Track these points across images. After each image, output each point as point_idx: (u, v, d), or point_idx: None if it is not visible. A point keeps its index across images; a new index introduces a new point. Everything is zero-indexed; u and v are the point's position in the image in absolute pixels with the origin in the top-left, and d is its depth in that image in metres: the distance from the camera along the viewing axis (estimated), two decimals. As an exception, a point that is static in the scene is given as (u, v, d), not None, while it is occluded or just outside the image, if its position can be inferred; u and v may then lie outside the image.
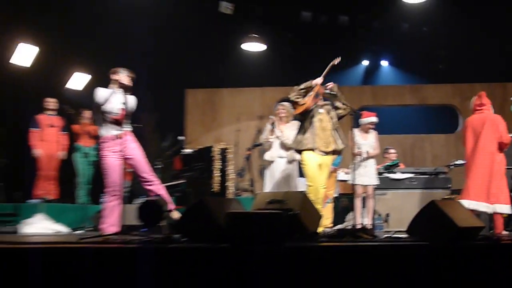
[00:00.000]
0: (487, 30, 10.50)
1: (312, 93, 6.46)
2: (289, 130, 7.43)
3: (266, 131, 7.63)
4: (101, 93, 5.57)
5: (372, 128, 7.83)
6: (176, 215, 5.62)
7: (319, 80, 6.50)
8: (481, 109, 6.72)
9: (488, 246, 4.08)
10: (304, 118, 6.40)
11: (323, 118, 6.39)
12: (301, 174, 7.00)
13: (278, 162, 7.44)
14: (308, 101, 6.43)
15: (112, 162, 5.56)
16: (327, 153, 6.31)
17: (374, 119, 7.79)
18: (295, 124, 7.08)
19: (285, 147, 7.40)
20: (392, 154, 8.78)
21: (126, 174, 8.78)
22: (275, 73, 11.78)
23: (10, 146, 8.51)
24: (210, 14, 10.40)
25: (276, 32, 11.45)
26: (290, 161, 7.41)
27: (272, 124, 7.54)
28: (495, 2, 9.92)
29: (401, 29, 11.39)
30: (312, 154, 6.21)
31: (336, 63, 6.47)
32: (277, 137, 7.49)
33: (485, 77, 11.78)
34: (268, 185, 7.46)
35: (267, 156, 7.54)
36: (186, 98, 12.50)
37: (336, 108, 6.53)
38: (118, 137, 5.59)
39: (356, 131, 7.70)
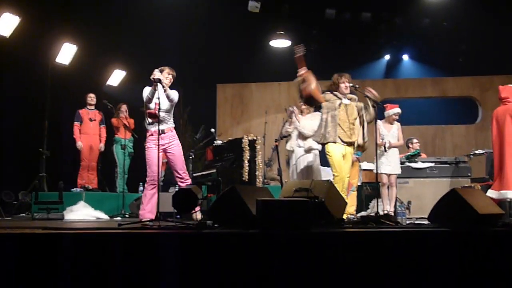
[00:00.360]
0: (505, 23, 10.27)
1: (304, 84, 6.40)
2: (307, 121, 7.39)
3: (286, 122, 7.63)
4: (145, 91, 5.77)
5: (396, 120, 7.76)
6: (198, 215, 5.70)
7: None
8: (505, 101, 6.61)
9: (508, 232, 4.01)
10: (325, 111, 6.31)
11: (345, 110, 6.29)
12: (324, 164, 6.96)
13: (297, 152, 7.41)
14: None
15: (155, 155, 5.70)
16: (349, 143, 6.25)
17: (398, 110, 7.73)
18: (316, 115, 7.07)
19: (302, 136, 7.35)
20: (416, 144, 8.68)
21: (161, 165, 8.89)
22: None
23: (52, 139, 8.65)
24: (240, 13, 10.41)
25: (301, 29, 11.39)
26: (308, 150, 7.36)
27: (291, 115, 7.50)
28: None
29: (422, 24, 11.23)
30: (336, 146, 6.16)
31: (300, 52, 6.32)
32: (296, 127, 7.45)
33: (504, 70, 11.55)
34: (291, 174, 7.46)
35: (288, 145, 7.57)
36: (217, 92, 12.56)
37: (366, 108, 6.41)
38: (162, 132, 5.73)
39: (380, 123, 7.64)
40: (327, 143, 6.18)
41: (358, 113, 6.37)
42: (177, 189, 5.94)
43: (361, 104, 6.45)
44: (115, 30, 9.83)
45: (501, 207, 5.55)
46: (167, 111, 5.94)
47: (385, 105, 7.90)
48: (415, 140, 8.74)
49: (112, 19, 9.56)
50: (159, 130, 5.58)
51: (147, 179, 5.80)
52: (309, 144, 7.26)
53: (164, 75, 5.85)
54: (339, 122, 6.19)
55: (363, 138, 6.32)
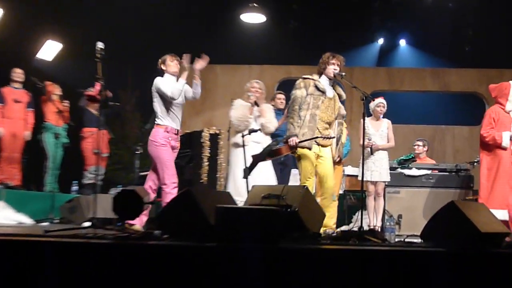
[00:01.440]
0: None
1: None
2: (271, 113, 7.44)
3: (241, 108, 7.36)
4: (163, 83, 6.25)
5: (383, 114, 7.81)
6: (137, 227, 5.66)
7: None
8: (496, 102, 6.83)
9: (514, 254, 4.09)
10: (305, 107, 6.26)
11: (327, 105, 6.32)
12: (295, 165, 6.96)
13: (252, 148, 7.07)
14: None
15: (170, 155, 6.26)
16: (324, 146, 6.33)
17: (381, 100, 7.78)
18: (271, 108, 7.30)
19: (263, 131, 7.30)
20: (420, 147, 8.79)
21: (101, 160, 8.80)
22: (276, 49, 11.76)
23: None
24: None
25: (279, 2, 11.42)
26: None
27: (255, 102, 7.40)
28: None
29: (423, 3, 11.38)
30: (310, 152, 6.20)
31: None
32: (256, 118, 7.39)
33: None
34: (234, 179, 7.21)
35: (238, 138, 7.18)
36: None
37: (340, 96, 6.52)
38: (177, 131, 6.31)
39: (368, 120, 7.70)
40: (299, 147, 6.18)
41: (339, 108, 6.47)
42: (119, 190, 5.88)
43: (339, 91, 6.54)
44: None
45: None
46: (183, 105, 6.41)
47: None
48: (419, 142, 8.84)
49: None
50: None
51: (167, 182, 6.19)
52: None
53: (172, 64, 6.43)
54: (316, 123, 6.22)
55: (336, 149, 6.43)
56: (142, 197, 4.71)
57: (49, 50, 10.42)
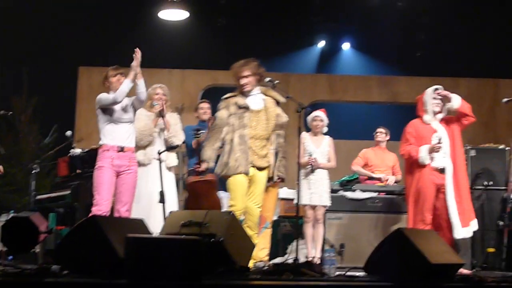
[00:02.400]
0: (479, 12, 10.87)
1: None
2: (177, 125, 7.49)
3: (144, 119, 7.31)
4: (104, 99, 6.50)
5: (321, 129, 7.88)
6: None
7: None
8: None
9: (468, 288, 4.23)
10: (230, 129, 6.36)
11: (256, 120, 6.39)
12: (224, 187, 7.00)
13: (153, 168, 7.13)
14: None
15: (108, 176, 6.39)
16: (261, 168, 6.40)
17: (317, 113, 7.84)
18: (177, 119, 7.40)
19: (168, 146, 7.25)
20: (383, 135, 8.97)
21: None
22: (200, 51, 11.78)
23: None
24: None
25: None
26: (170, 168, 7.37)
27: (161, 112, 7.30)
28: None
29: (369, 2, 11.64)
30: (243, 177, 6.28)
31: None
32: (161, 130, 7.35)
33: (473, 71, 12.22)
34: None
35: (140, 155, 7.17)
36: (78, 79, 12.29)
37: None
38: (122, 149, 6.48)
39: (307, 135, 7.79)
40: (232, 175, 6.26)
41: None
42: (10, 217, 5.75)
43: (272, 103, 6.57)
44: None
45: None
46: (131, 122, 6.63)
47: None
48: (382, 130, 8.98)
49: None
50: None
51: (93, 208, 6.27)
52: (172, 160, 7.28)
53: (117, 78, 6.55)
54: (250, 141, 6.29)
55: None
56: (37, 226, 4.64)
57: None
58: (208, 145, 6.41)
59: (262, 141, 6.41)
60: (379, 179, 8.55)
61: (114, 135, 6.48)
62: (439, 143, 6.76)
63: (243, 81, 6.38)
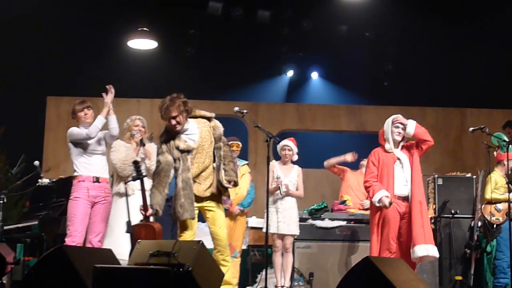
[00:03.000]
0: (444, 43, 11.06)
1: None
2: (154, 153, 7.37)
3: (124, 149, 7.25)
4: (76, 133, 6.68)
5: (290, 158, 7.92)
6: None
7: None
8: None
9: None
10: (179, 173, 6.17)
11: (198, 157, 6.21)
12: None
13: (137, 197, 6.81)
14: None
15: (83, 208, 6.51)
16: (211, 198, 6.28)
17: (285, 142, 7.87)
18: (154, 147, 7.11)
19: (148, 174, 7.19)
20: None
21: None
22: (169, 80, 11.80)
23: None
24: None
25: (174, 25, 11.51)
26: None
27: (141, 141, 7.22)
28: (456, 13, 10.48)
29: (337, 32, 11.78)
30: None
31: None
32: (142, 160, 7.28)
33: (440, 100, 12.39)
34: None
35: (122, 187, 7.04)
36: (46, 108, 12.24)
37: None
38: (97, 180, 6.63)
39: (276, 164, 7.84)
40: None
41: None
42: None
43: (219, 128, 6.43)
44: None
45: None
46: (103, 154, 6.82)
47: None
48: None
49: None
50: None
51: (66, 238, 6.38)
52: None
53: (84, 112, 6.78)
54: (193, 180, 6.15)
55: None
56: (4, 257, 4.61)
57: None
58: (156, 192, 6.05)
59: (206, 171, 6.24)
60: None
61: (89, 166, 6.61)
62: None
63: (173, 122, 6.06)
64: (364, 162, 8.96)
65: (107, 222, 6.78)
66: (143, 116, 11.19)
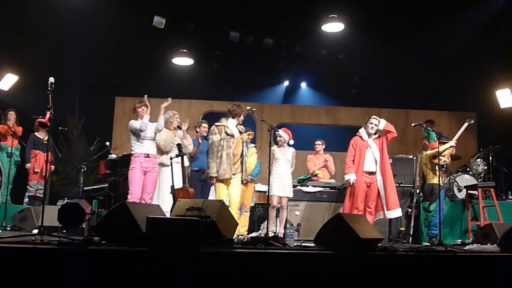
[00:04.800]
0: (394, 61, 11.01)
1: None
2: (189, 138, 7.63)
3: (163, 132, 7.29)
4: (135, 124, 6.70)
5: (283, 143, 7.93)
6: None
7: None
8: None
9: (386, 256, 4.25)
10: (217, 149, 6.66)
11: (235, 144, 6.69)
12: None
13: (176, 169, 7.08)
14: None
15: (137, 175, 6.59)
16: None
17: (280, 132, 7.92)
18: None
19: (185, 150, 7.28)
20: (320, 146, 8.92)
21: (41, 177, 8.50)
22: (201, 87, 11.80)
23: None
24: (144, 27, 10.29)
25: (205, 48, 11.49)
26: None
27: (178, 126, 7.51)
28: (403, 38, 10.43)
29: (320, 54, 11.75)
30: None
31: None
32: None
33: (392, 103, 12.35)
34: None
35: (164, 159, 7.19)
36: (115, 105, 12.25)
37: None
38: (147, 155, 6.69)
39: (275, 148, 7.84)
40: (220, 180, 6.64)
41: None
42: (64, 203, 5.69)
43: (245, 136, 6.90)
44: (10, 31, 9.32)
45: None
46: (152, 139, 6.78)
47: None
48: (319, 142, 8.96)
49: (9, 20, 9.07)
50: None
51: (128, 196, 6.50)
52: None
53: (141, 109, 6.80)
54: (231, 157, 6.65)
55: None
56: (84, 209, 4.60)
57: (7, 81, 10.00)
58: (212, 162, 6.60)
59: (236, 157, 6.68)
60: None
61: (142, 146, 6.69)
62: None
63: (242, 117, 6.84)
64: (317, 145, 8.88)
65: (155, 185, 6.82)
66: (183, 112, 11.25)
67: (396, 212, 7.09)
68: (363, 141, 7.27)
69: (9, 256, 3.39)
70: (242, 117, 6.82)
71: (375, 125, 7.26)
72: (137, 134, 6.68)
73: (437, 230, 7.33)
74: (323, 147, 9.03)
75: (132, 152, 6.72)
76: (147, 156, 6.67)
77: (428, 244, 7.36)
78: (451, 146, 7.85)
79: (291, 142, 8.09)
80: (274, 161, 7.69)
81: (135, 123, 6.69)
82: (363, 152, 7.17)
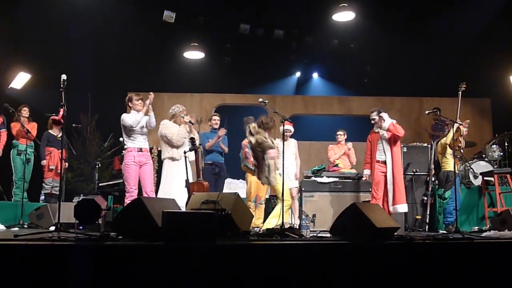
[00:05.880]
0: (407, 49, 10.91)
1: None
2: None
3: (173, 126, 7.28)
4: (128, 118, 6.60)
5: (290, 136, 7.94)
6: None
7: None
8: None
9: (403, 245, 4.23)
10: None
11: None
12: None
13: (181, 162, 7.10)
14: None
15: (132, 171, 6.49)
16: None
17: (288, 127, 7.90)
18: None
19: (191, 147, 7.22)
20: (342, 136, 9.02)
21: (56, 174, 8.55)
22: (213, 80, 11.79)
23: None
24: (154, 22, 10.30)
25: (215, 42, 11.47)
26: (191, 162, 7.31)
27: (190, 122, 7.35)
28: (414, 26, 10.33)
29: (331, 44, 11.67)
30: None
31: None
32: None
33: (404, 91, 12.24)
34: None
35: (175, 153, 7.11)
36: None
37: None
38: (140, 150, 6.60)
39: (279, 141, 7.83)
40: None
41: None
42: (80, 199, 5.73)
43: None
44: (21, 31, 9.37)
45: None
46: (145, 133, 6.70)
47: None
48: (341, 132, 9.03)
49: (19, 20, 9.12)
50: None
51: (126, 193, 6.46)
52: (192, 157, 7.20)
53: (139, 102, 6.69)
54: None
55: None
56: (100, 205, 4.62)
57: (20, 80, 10.07)
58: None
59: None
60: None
61: (135, 141, 6.63)
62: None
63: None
64: (338, 135, 8.93)
65: (153, 178, 6.85)
66: (195, 106, 11.26)
67: (402, 207, 7.06)
68: (375, 134, 7.43)
69: (27, 253, 3.42)
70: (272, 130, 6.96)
71: (373, 119, 7.43)
72: (128, 129, 6.60)
73: (453, 217, 7.31)
74: (345, 137, 9.05)
75: (125, 147, 6.67)
76: (140, 150, 6.60)
77: (444, 232, 7.31)
78: (458, 128, 7.69)
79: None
80: (279, 154, 7.67)
81: (128, 119, 6.57)
82: (375, 144, 7.34)
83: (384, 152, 7.22)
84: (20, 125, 8.55)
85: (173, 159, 7.03)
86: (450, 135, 7.56)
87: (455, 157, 7.00)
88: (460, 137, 7.61)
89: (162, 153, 7.19)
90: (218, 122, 8.10)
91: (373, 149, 7.32)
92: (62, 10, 9.23)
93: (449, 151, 7.88)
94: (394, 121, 7.30)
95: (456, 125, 7.27)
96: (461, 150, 7.88)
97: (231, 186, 7.96)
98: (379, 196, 7.12)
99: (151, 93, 6.76)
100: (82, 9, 9.39)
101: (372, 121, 7.44)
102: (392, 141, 7.23)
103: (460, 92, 7.40)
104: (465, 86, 7.47)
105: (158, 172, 8.56)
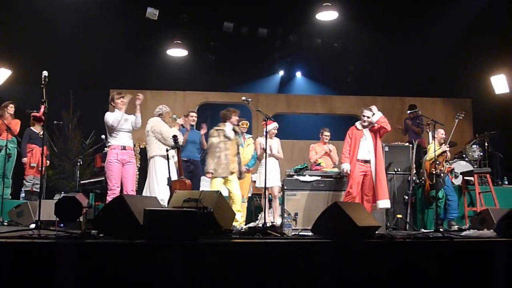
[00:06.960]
0: (389, 49, 10.99)
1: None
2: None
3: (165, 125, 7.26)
4: (110, 117, 6.53)
5: (275, 134, 8.02)
6: None
7: None
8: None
9: (384, 243, 4.26)
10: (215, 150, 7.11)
11: (232, 145, 7.14)
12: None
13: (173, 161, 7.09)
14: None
15: (115, 168, 6.44)
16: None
17: (276, 125, 8.02)
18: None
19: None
20: (327, 137, 8.95)
21: (37, 172, 8.46)
22: (196, 78, 11.76)
23: None
24: (137, 19, 10.24)
25: (199, 39, 11.44)
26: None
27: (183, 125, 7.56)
28: (397, 26, 10.42)
29: (314, 43, 11.71)
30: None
31: None
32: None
33: (387, 91, 12.33)
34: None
35: (162, 151, 7.02)
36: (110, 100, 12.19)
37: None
38: (124, 147, 6.54)
39: (262, 139, 7.86)
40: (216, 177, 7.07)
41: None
42: (61, 196, 5.67)
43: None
44: (2, 25, 9.25)
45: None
46: (129, 131, 6.64)
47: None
48: (327, 133, 8.97)
49: (1, 14, 9.00)
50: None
51: (108, 190, 6.42)
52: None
53: (120, 101, 6.63)
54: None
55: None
56: (81, 202, 4.58)
57: (0, 76, 9.93)
58: (210, 160, 7.05)
59: (234, 157, 7.18)
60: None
61: (119, 139, 6.56)
62: None
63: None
64: (325, 136, 8.89)
65: (135, 177, 6.83)
66: (178, 104, 11.22)
67: (384, 203, 7.11)
68: (358, 131, 7.39)
69: (7, 251, 3.38)
70: (234, 119, 7.18)
71: (368, 117, 7.35)
72: (111, 127, 6.54)
73: (457, 213, 7.73)
74: (329, 136, 9.06)
75: (108, 144, 6.62)
76: (124, 148, 6.53)
77: (425, 230, 7.38)
78: (444, 152, 7.86)
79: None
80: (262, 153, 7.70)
81: (110, 118, 6.52)
82: (358, 141, 7.29)
83: (369, 151, 7.23)
84: (0, 122, 8.42)
85: (164, 157, 6.95)
86: (431, 149, 7.68)
87: (437, 177, 7.26)
88: (444, 162, 7.76)
89: (151, 151, 7.05)
90: (195, 119, 8.02)
91: (355, 146, 7.28)
92: (44, 6, 9.12)
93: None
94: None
95: (442, 149, 7.68)
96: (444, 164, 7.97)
97: (205, 184, 7.93)
98: (354, 194, 7.15)
99: (140, 94, 6.76)
100: (64, 5, 9.28)
101: (367, 119, 7.33)
102: (378, 135, 7.25)
103: (457, 120, 7.91)
104: (463, 115, 8.04)
105: (140, 170, 8.52)
